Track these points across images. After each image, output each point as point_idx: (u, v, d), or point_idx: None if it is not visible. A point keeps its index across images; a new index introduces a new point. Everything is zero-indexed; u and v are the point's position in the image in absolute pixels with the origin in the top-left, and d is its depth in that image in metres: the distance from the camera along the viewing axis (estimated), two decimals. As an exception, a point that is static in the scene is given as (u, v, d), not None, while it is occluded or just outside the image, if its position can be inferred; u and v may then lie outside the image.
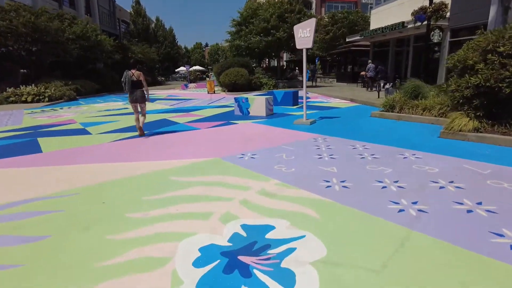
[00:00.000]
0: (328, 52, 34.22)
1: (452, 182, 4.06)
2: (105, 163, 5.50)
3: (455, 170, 4.53)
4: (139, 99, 7.45)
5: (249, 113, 10.92)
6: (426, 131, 7.31)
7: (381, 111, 9.64)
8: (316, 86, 23.55)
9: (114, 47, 30.08)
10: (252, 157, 5.53)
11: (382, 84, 17.30)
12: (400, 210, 3.29)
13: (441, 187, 3.90)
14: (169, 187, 4.16)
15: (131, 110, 13.91)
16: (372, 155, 5.44)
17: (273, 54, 26.26)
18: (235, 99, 11.13)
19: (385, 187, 3.96)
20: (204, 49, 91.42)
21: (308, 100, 8.71)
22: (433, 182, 4.09)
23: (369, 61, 18.82)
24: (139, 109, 7.67)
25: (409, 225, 2.97)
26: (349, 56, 29.19)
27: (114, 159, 5.74)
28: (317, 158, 5.33)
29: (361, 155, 5.47)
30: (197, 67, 51.08)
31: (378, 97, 13.76)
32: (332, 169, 4.70)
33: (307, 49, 8.63)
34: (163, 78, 51.84)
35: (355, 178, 4.31)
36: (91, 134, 8.40)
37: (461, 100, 6.52)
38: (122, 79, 7.27)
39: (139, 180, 4.52)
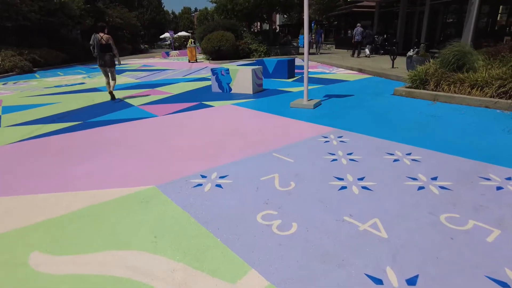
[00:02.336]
0: (325, 14, 30.85)
1: None
2: (-48, 198, 3.01)
3: None
4: (108, 63, 7.30)
5: (230, 89, 8.31)
6: (492, 123, 4.86)
7: (408, 87, 7.12)
8: (316, 54, 20.15)
9: (85, 10, 26.34)
10: (218, 185, 3.07)
11: (368, 50, 16.29)
12: None
13: None
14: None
15: (88, 86, 11.22)
16: (434, 179, 3.01)
17: (264, 16, 23.02)
18: (212, 71, 8.46)
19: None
20: (193, 14, 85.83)
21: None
22: None
23: (358, 24, 16.93)
24: (109, 74, 7.48)
25: None
26: (350, 19, 25.98)
27: (-25, 187, 3.24)
28: (337, 189, 2.89)
29: (414, 179, 3.04)
30: (183, 33, 46.99)
31: (393, 66, 11.17)
32: (377, 231, 2.27)
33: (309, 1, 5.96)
34: (146, 46, 47.92)
35: (438, 267, 1.90)
36: (-1, 126, 5.82)
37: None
38: (91, 42, 7.13)
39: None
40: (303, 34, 23.30)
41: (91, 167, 3.63)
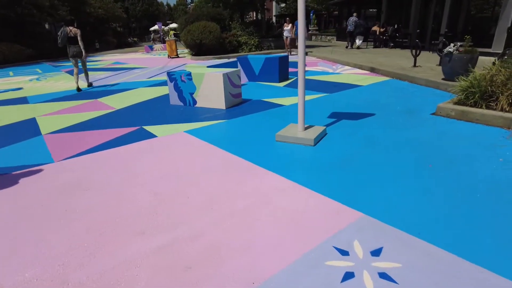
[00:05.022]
0: (325, 3, 28.10)
1: None
2: None
3: None
4: (79, 54, 7.58)
5: (195, 102, 5.83)
6: None
7: (458, 103, 4.65)
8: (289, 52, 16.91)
9: (60, 0, 23.55)
10: None
11: (358, 41, 15.70)
12: None
13: None
14: None
15: (20, 93, 8.32)
16: None
17: (258, 4, 20.36)
18: (169, 75, 5.95)
19: None
20: (189, 6, 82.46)
21: (305, 70, 3.53)
22: None
23: (354, 13, 16.03)
24: (80, 64, 7.81)
25: None
26: (353, 7, 23.29)
27: None
28: None
29: None
30: (174, 25, 43.98)
31: (415, 65, 8.68)
32: None
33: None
34: (135, 39, 44.96)
35: None
36: None
37: None
38: (58, 33, 7.33)
39: None
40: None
41: None
